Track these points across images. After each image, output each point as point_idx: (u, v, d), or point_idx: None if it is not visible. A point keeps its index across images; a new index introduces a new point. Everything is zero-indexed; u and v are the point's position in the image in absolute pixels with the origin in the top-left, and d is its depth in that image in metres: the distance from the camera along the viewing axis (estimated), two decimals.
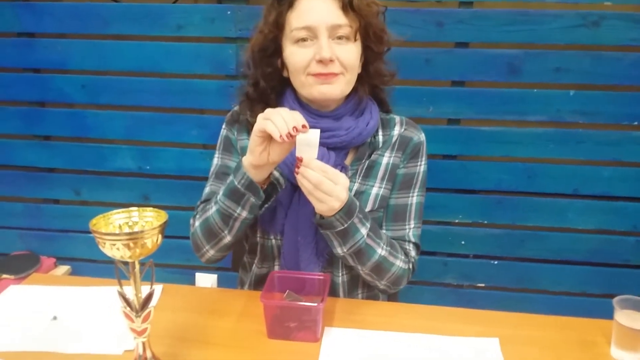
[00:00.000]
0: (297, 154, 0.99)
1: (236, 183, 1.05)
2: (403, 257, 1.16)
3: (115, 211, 0.87)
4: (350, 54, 1.08)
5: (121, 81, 2.01)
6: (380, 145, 1.21)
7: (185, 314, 1.12)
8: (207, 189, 1.24)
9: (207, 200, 1.19)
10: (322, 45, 1.05)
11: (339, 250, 1.09)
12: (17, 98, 2.08)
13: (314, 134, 0.98)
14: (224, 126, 1.26)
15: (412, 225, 1.21)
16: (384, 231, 1.19)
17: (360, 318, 1.10)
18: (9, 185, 2.18)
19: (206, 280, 2.11)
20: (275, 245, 1.20)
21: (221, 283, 2.02)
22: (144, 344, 0.89)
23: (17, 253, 2.22)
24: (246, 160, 1.05)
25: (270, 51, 1.13)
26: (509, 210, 1.98)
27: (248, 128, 1.21)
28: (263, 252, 1.22)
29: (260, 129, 0.99)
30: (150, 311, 0.88)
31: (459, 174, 1.96)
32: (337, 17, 1.05)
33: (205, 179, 1.27)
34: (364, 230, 1.07)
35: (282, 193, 1.16)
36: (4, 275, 2.05)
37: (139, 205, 0.89)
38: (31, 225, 2.24)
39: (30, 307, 1.13)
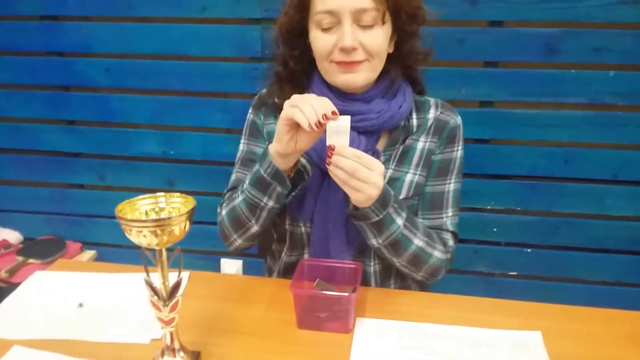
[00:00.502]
0: (328, 142, 0.94)
1: (262, 172, 1.02)
2: (441, 247, 1.11)
3: (141, 197, 0.83)
4: (376, 39, 1.02)
5: (145, 64, 1.98)
6: (415, 129, 1.15)
7: (213, 302, 1.09)
8: (233, 176, 1.20)
9: (234, 188, 1.15)
10: (344, 33, 0.99)
11: (374, 242, 1.04)
12: (42, 82, 2.06)
13: (345, 121, 0.93)
14: (250, 110, 1.22)
15: (449, 214, 1.16)
16: (420, 220, 1.14)
17: (393, 308, 1.06)
18: (34, 170, 2.18)
19: (231, 266, 2.09)
20: (305, 233, 1.16)
21: (246, 269, 2.01)
22: (171, 333, 0.86)
23: (43, 238, 2.23)
24: (272, 148, 1.01)
25: (297, 32, 1.08)
26: (543, 196, 1.91)
27: (276, 112, 1.17)
28: (292, 240, 1.18)
29: (287, 117, 0.94)
30: (178, 300, 0.85)
31: (492, 158, 1.89)
32: (362, 0, 0.99)
33: (230, 164, 1.23)
34: (399, 221, 1.02)
35: (311, 180, 1.11)
36: (31, 260, 2.05)
37: (164, 191, 0.86)
38: (57, 210, 2.24)
39: (56, 293, 1.11)
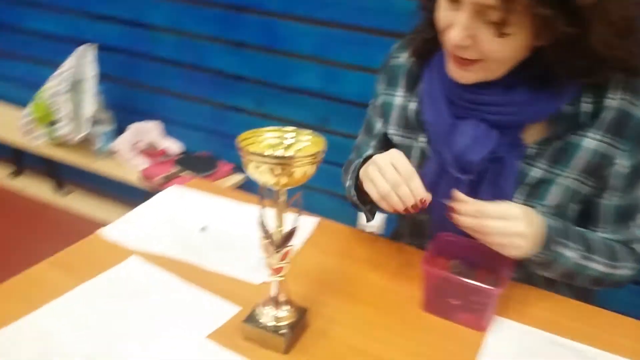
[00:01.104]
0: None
1: (353, 195, 0.97)
2: (630, 264, 0.89)
3: (268, 128, 0.73)
4: (497, 45, 0.77)
5: None
6: (584, 118, 0.85)
7: (335, 257, 0.98)
8: (358, 137, 1.11)
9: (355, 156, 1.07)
10: (455, 24, 0.77)
11: (540, 273, 0.88)
12: (214, 0, 2.07)
13: None
14: (393, 53, 1.03)
15: None
16: (599, 235, 0.91)
17: (541, 314, 0.86)
18: (199, 86, 2.24)
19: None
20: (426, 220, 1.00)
21: (389, 226, 1.88)
22: (279, 283, 0.77)
23: (200, 153, 2.31)
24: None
25: None
26: None
27: (407, 75, 0.99)
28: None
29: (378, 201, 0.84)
30: (290, 249, 0.75)
31: None
32: None
33: None
34: (571, 253, 0.84)
35: (427, 168, 0.94)
36: (185, 173, 2.13)
37: (316, 129, 0.74)
38: (215, 129, 2.29)
39: (184, 211, 1.08)
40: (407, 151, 0.97)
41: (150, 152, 2.29)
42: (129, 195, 2.41)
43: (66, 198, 2.64)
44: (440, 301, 0.84)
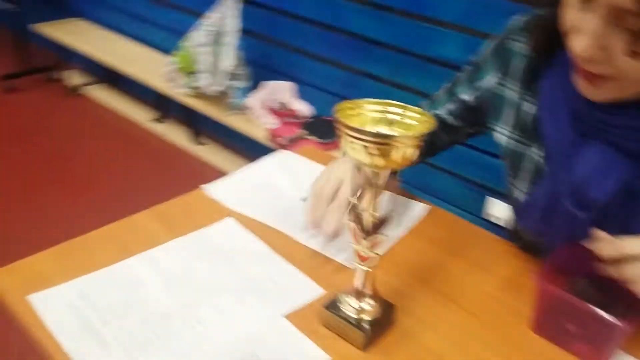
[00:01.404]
0: None
1: None
2: None
3: (372, 100, 0.65)
4: (635, 62, 0.60)
5: None
6: None
7: (441, 252, 0.88)
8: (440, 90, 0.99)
9: None
10: (584, 33, 0.60)
11: None
12: None
13: None
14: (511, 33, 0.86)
15: None
16: None
17: None
18: (335, 48, 2.18)
19: (499, 209, 1.80)
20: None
21: None
22: (365, 274, 0.70)
23: (327, 118, 2.27)
24: None
25: None
26: None
27: (525, 68, 0.82)
28: None
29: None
30: (380, 239, 0.67)
31: None
32: None
33: None
34: None
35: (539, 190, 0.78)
36: (310, 137, 2.11)
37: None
38: (347, 95, 2.23)
39: (289, 178, 1.04)
40: (517, 159, 0.83)
41: (281, 111, 2.29)
42: (255, 152, 2.45)
43: (200, 147, 2.77)
44: (554, 324, 0.71)
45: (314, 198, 0.84)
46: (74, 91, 3.26)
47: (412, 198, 1.00)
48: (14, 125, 2.95)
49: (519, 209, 0.85)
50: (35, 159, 2.66)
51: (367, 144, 0.58)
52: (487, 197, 1.84)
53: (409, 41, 1.95)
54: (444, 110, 0.95)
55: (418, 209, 0.97)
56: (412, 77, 1.99)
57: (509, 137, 0.85)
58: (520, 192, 0.84)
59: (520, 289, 0.80)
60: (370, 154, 0.58)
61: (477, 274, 0.84)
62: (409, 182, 2.08)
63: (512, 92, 0.84)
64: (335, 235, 0.82)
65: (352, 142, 0.59)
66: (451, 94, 0.95)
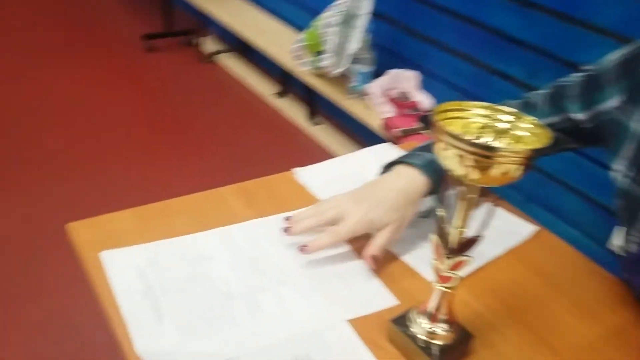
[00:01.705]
0: None
1: None
2: None
3: (480, 103, 0.56)
4: None
5: None
6: None
7: (540, 281, 0.77)
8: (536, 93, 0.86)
9: None
10: None
11: None
12: None
13: None
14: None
15: None
16: None
17: None
18: (469, 42, 2.04)
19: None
20: None
21: None
22: (442, 294, 0.62)
23: None
24: None
25: None
26: None
27: None
28: None
29: None
30: (464, 261, 0.59)
31: None
32: None
33: None
34: None
35: None
36: (424, 131, 2.02)
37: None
38: (473, 92, 2.09)
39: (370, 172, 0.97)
40: (633, 204, 0.68)
41: (401, 102, 2.21)
42: (369, 139, 2.40)
43: (315, 127, 2.77)
44: None
45: (314, 213, 0.76)
46: (208, 58, 3.40)
47: (516, 213, 0.89)
48: (149, 82, 3.14)
49: (629, 262, 0.72)
50: (161, 116, 2.83)
51: (463, 153, 0.50)
52: (617, 226, 1.64)
53: (553, 43, 1.77)
54: (545, 122, 0.79)
55: (522, 228, 0.86)
56: (549, 83, 1.81)
57: (624, 174, 0.70)
58: (634, 243, 0.70)
59: (628, 343, 0.68)
60: (466, 165, 0.50)
61: (581, 317, 0.72)
62: (522, 189, 1.91)
63: (638, 124, 0.68)
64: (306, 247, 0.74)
65: (445, 148, 0.51)
66: (557, 108, 0.80)
